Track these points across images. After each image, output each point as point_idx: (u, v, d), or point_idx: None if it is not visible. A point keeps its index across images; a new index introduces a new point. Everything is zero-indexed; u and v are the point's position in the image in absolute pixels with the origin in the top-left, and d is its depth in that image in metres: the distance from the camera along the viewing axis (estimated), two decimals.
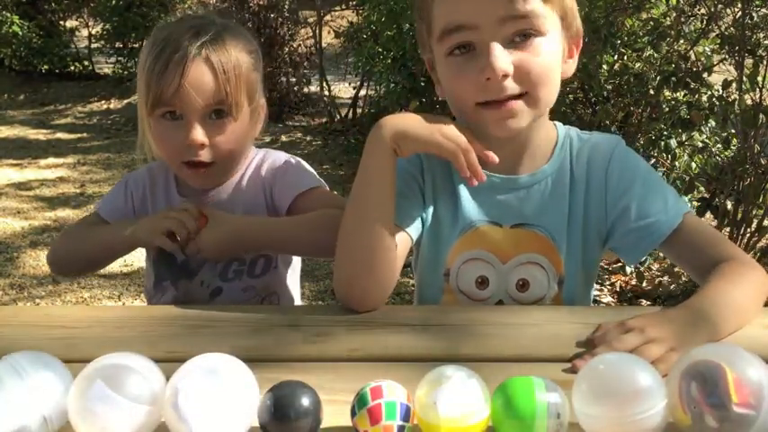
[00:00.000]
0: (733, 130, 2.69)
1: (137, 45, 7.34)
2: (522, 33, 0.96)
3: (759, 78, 2.57)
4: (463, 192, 1.08)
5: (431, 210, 1.09)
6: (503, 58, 0.94)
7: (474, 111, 0.99)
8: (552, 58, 0.99)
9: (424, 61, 1.10)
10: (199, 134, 1.11)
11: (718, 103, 2.70)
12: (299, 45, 6.14)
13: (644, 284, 2.91)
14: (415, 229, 1.06)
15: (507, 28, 0.95)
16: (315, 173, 1.27)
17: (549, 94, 1.01)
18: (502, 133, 1.00)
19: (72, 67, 7.85)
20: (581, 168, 1.07)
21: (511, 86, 0.96)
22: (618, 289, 3.04)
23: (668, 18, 3.00)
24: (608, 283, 3.09)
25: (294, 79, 6.07)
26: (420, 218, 1.07)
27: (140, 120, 1.19)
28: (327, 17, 6.17)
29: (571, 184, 1.07)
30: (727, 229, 2.69)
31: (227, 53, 1.13)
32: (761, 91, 2.59)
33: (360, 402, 0.66)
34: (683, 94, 2.92)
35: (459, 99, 1.01)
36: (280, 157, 1.28)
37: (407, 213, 1.05)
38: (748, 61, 2.66)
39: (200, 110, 1.11)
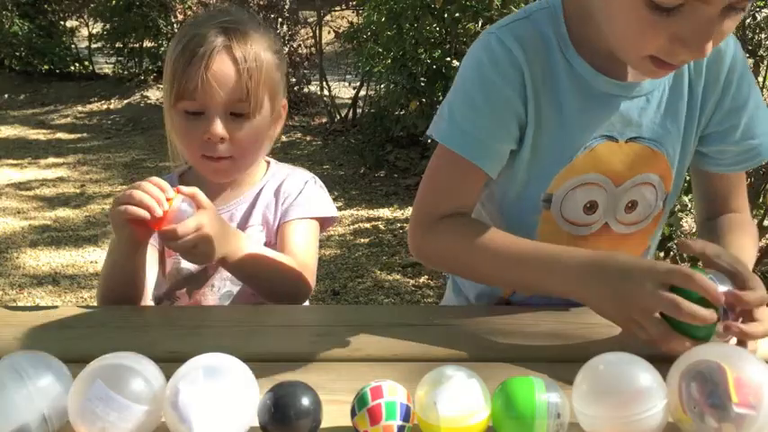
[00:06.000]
0: None
1: (137, 45, 7.36)
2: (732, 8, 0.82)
3: (760, 79, 2.58)
4: (573, 112, 0.97)
5: (529, 140, 0.98)
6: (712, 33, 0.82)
7: (643, 57, 0.87)
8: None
9: None
10: (219, 128, 1.11)
11: None
12: (299, 45, 6.15)
13: None
14: (495, 168, 0.99)
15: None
16: (328, 199, 1.26)
17: None
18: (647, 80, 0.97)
19: (72, 67, 7.86)
20: (698, 74, 1.00)
21: (683, 57, 0.86)
22: None
23: None
24: None
25: (294, 79, 6.08)
26: (504, 153, 0.99)
27: (166, 120, 1.19)
28: (327, 17, 6.18)
29: (689, 92, 1.00)
30: None
31: (250, 49, 1.14)
32: (761, 91, 2.59)
33: (360, 402, 0.65)
34: None
35: (636, 42, 0.87)
36: (303, 175, 1.28)
37: (493, 151, 0.97)
38: (749, 61, 2.66)
39: (222, 104, 1.12)
